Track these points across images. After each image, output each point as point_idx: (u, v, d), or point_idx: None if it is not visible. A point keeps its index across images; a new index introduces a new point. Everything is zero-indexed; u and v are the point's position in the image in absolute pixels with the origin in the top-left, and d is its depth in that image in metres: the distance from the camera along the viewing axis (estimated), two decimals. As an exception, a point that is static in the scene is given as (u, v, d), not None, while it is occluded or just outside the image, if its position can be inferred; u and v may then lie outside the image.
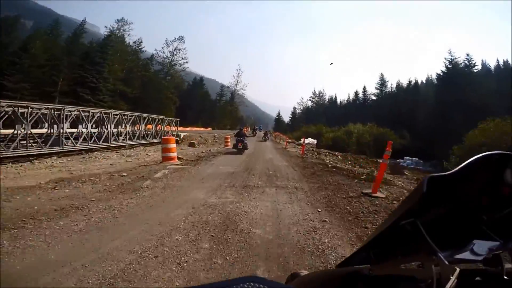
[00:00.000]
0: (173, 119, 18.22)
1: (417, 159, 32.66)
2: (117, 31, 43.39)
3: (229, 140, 15.13)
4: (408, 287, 0.38)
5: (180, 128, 31.48)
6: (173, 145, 7.55)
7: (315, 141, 28.41)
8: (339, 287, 0.50)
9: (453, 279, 0.32)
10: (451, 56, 43.13)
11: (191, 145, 16.09)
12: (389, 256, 0.43)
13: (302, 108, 73.59)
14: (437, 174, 0.33)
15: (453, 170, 0.33)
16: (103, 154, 10.89)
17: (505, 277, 0.34)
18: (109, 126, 12.11)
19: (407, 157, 32.67)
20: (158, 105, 42.17)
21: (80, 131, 11.13)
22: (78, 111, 10.94)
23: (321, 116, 55.81)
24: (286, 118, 79.96)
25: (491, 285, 0.36)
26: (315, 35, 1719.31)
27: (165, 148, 7.49)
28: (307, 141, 26.33)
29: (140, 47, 47.19)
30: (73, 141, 10.50)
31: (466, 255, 0.33)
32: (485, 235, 0.36)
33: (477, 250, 0.33)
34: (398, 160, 31.70)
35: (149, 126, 15.97)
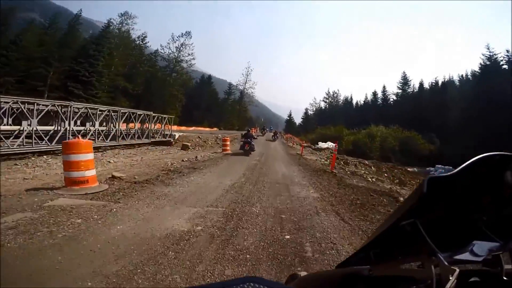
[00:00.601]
0: (165, 116, 15.05)
1: (451, 167, 28.12)
2: (120, 25, 40.98)
3: (229, 143, 11.78)
4: (407, 287, 0.37)
5: (183, 128, 28.50)
6: (89, 156, 3.93)
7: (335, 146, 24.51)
8: None
9: (452, 279, 0.32)
10: (489, 52, 37.79)
11: (184, 147, 12.96)
12: (389, 257, 0.43)
13: (314, 109, 69.25)
14: (438, 174, 0.32)
15: (454, 171, 0.33)
16: (49, 160, 7.86)
17: (505, 278, 0.34)
18: (67, 122, 9.07)
19: (439, 165, 28.12)
20: (162, 102, 39.85)
21: (24, 128, 8.19)
22: (16, 102, 7.89)
23: (338, 117, 51.11)
24: (297, 120, 75.80)
25: (490, 285, 0.36)
26: (324, 38, 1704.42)
27: (67, 162, 3.86)
28: (325, 145, 22.57)
29: (144, 42, 44.63)
30: (11, 140, 7.68)
31: (466, 256, 0.33)
32: (485, 236, 0.35)
33: (477, 251, 0.33)
34: (428, 168, 27.60)
35: (132, 125, 12.90)
